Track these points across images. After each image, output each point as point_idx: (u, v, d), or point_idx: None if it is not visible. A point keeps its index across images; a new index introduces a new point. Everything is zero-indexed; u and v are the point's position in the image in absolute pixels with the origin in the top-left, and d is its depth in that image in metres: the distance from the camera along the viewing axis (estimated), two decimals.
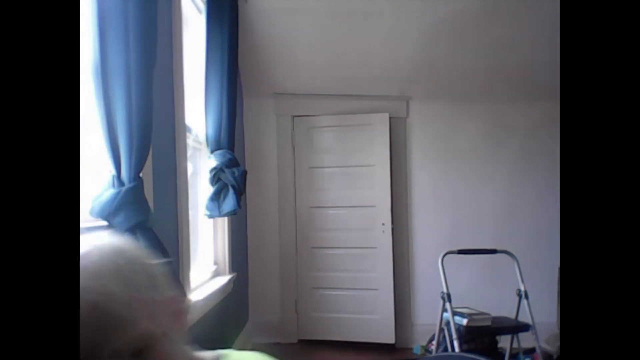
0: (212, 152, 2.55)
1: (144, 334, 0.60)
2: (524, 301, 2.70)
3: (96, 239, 0.65)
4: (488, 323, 2.61)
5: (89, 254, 0.62)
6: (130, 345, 0.59)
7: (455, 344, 2.49)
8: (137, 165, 1.36)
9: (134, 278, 0.63)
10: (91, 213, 1.31)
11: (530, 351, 2.87)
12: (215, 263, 2.90)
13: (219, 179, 2.53)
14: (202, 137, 2.61)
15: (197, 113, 2.55)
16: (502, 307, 2.79)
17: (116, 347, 0.58)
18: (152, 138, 1.43)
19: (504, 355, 2.88)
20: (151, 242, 1.34)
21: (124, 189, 1.31)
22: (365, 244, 3.60)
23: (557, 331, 3.32)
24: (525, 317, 2.68)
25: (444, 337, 2.63)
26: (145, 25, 1.37)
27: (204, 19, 2.48)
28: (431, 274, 3.04)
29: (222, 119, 2.56)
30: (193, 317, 2.14)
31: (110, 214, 1.30)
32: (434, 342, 2.79)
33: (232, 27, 2.66)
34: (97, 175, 1.42)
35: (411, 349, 3.58)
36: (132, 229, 1.31)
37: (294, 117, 3.71)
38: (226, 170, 2.51)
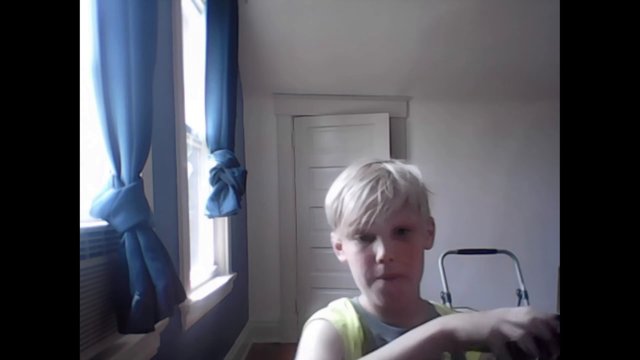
0: (212, 152, 2.55)
1: None
2: (524, 301, 2.69)
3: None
4: None
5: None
6: None
7: None
8: (137, 165, 1.36)
9: None
10: (91, 213, 1.31)
11: None
12: (215, 263, 2.90)
13: (219, 179, 2.53)
14: (202, 137, 2.61)
15: (197, 113, 2.55)
16: (502, 307, 2.78)
17: None
18: (152, 138, 1.43)
19: None
20: (151, 242, 1.34)
21: (124, 189, 1.31)
22: None
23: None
24: None
25: None
26: (145, 25, 1.37)
27: (204, 19, 2.48)
28: (431, 274, 3.03)
29: (222, 119, 2.56)
30: (193, 317, 2.14)
31: (110, 214, 1.30)
32: None
33: (232, 27, 2.66)
34: (97, 175, 1.42)
35: None
36: (132, 229, 1.31)
37: (294, 117, 3.71)
38: (226, 170, 2.51)
